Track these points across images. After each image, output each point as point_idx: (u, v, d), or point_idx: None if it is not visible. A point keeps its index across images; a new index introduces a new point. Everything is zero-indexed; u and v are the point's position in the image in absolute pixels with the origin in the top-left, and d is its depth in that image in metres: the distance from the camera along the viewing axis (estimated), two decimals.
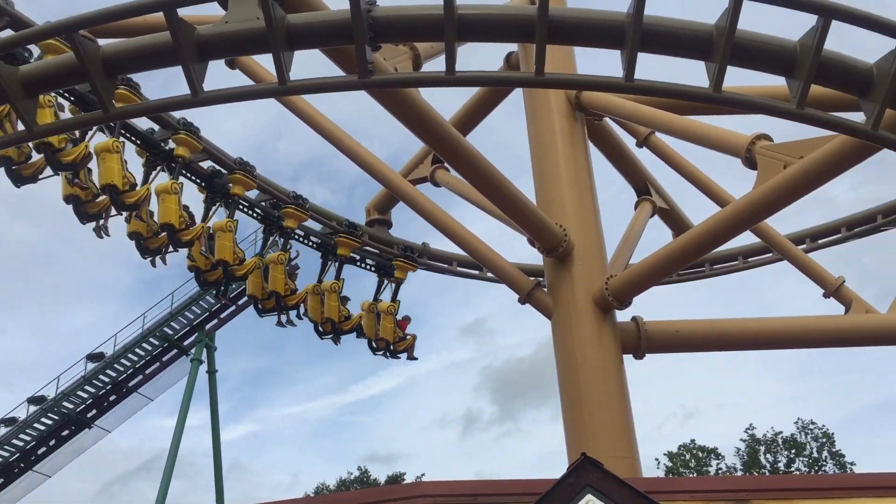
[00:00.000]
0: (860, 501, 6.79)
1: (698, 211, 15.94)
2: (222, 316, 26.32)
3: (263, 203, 16.09)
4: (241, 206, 15.50)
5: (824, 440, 51.50)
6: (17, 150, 12.34)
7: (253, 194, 15.73)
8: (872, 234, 18.98)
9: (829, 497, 6.83)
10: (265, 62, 14.32)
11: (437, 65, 13.54)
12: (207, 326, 26.28)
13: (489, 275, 18.49)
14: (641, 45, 7.36)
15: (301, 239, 17.06)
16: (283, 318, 16.60)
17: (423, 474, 47.46)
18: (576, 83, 7.99)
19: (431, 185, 17.03)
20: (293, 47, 7.10)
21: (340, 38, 7.18)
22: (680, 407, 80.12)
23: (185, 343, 26.41)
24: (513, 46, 15.60)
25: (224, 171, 14.96)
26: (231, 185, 14.90)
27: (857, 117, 8.02)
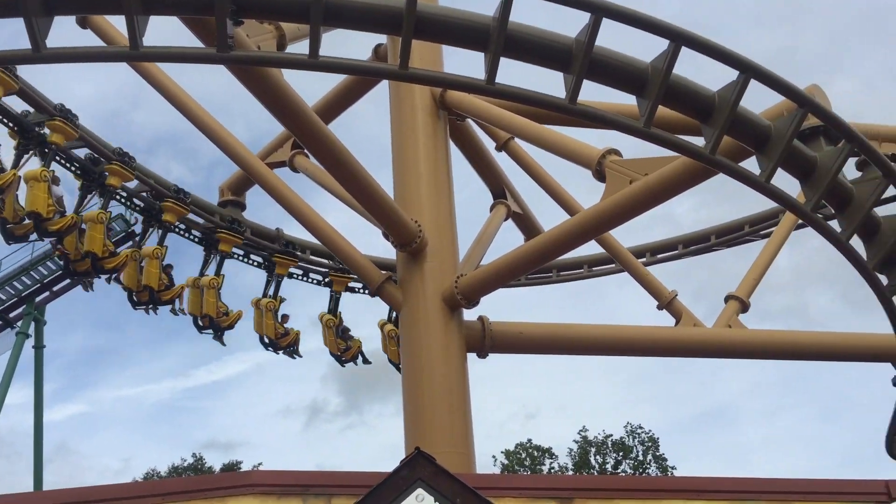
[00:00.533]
0: (673, 503, 7.18)
1: (550, 218, 16.47)
2: (55, 289, 24.78)
3: (143, 194, 15.67)
4: (118, 198, 15.02)
5: (650, 444, 54.38)
6: None
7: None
8: (706, 252, 20.26)
9: (646, 498, 7.19)
10: (120, 25, 13.64)
11: (302, 48, 13.28)
12: (38, 298, 24.65)
13: (342, 266, 18.39)
14: (504, 50, 7.50)
15: (182, 233, 16.87)
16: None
17: (260, 463, 46.55)
18: (439, 81, 8.06)
19: (290, 170, 16.71)
20: (148, 11, 6.78)
21: (200, 8, 6.92)
22: (522, 407, 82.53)
23: (12, 315, 24.70)
24: (382, 38, 15.54)
25: (102, 159, 14.39)
26: (108, 175, 14.35)
27: (700, 141, 8.52)
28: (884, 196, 10.01)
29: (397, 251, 13.39)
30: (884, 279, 10.15)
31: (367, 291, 17.34)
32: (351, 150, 11.43)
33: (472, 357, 13.12)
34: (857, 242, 9.79)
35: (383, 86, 15.87)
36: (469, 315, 13.39)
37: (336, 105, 16.44)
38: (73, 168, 14.66)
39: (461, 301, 12.79)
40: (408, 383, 12.56)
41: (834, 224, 9.61)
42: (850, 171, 10.54)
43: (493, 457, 53.91)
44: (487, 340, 13.07)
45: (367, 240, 16.51)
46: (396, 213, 12.71)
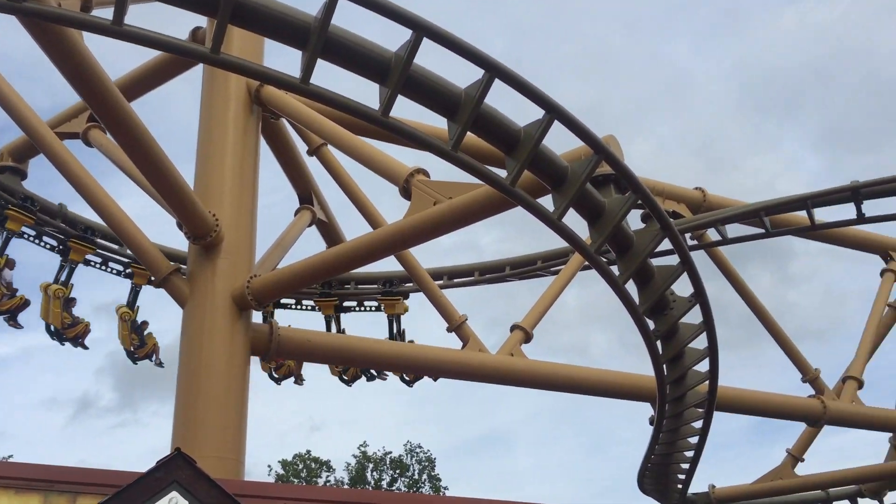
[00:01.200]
0: None
1: (356, 230, 16.34)
2: None
3: None
4: None
5: (426, 464, 55.37)
6: None
7: None
8: (500, 282, 20.95)
9: None
10: None
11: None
12: None
13: (128, 252, 17.36)
14: (323, 52, 7.40)
15: (32, 239, 16.79)
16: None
17: (10, 455, 42.72)
18: (250, 71, 7.80)
19: (83, 143, 15.56)
20: None
21: None
22: (308, 419, 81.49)
23: None
24: (202, 21, 14.87)
25: None
26: None
27: (504, 173, 8.80)
28: (659, 248, 10.80)
29: (190, 243, 12.80)
30: (651, 324, 10.95)
31: None
32: (158, 134, 10.85)
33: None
34: (633, 287, 10.51)
35: (198, 72, 15.20)
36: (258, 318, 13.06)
37: (142, 83, 15.49)
38: None
39: (251, 302, 12.40)
40: (183, 381, 11.99)
41: (615, 269, 10.25)
42: (637, 222, 11.28)
43: (269, 466, 52.76)
44: (274, 345, 12.75)
45: (162, 228, 15.69)
46: (193, 203, 12.15)
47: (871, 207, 14.78)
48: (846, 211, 14.97)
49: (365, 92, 8.21)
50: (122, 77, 15.10)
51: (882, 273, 20.01)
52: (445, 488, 53.03)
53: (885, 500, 22.28)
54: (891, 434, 20.96)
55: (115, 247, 18.49)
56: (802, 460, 18.57)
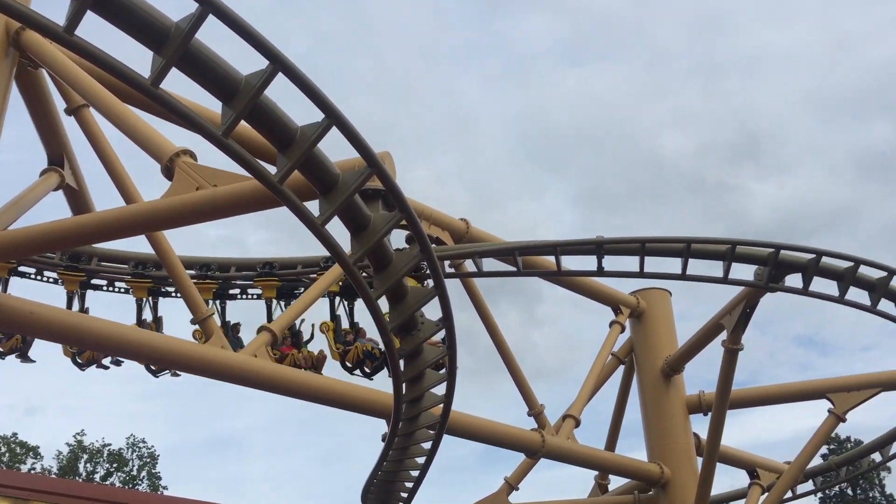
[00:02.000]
0: None
1: (108, 204, 15.21)
2: None
3: None
4: None
5: (148, 460, 52.62)
6: None
7: None
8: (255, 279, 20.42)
9: None
10: None
11: None
12: None
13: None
14: (94, 5, 6.82)
15: None
16: None
17: None
18: (8, 7, 7.01)
19: None
20: None
21: None
22: (25, 399, 74.56)
23: None
24: None
25: None
26: None
27: (274, 170, 8.56)
28: (416, 271, 11.03)
29: None
30: (398, 342, 11.14)
31: None
32: None
33: None
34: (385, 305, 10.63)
35: None
36: None
37: None
38: None
39: None
40: None
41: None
42: (402, 242, 11.44)
43: None
44: None
45: None
46: None
47: (610, 263, 16.06)
48: (589, 263, 16.16)
49: (142, 62, 7.70)
50: None
51: (610, 324, 21.87)
52: (164, 487, 50.49)
53: None
54: (597, 472, 22.85)
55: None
56: (517, 489, 19.67)
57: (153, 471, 52.20)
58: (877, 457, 23.37)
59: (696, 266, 16.39)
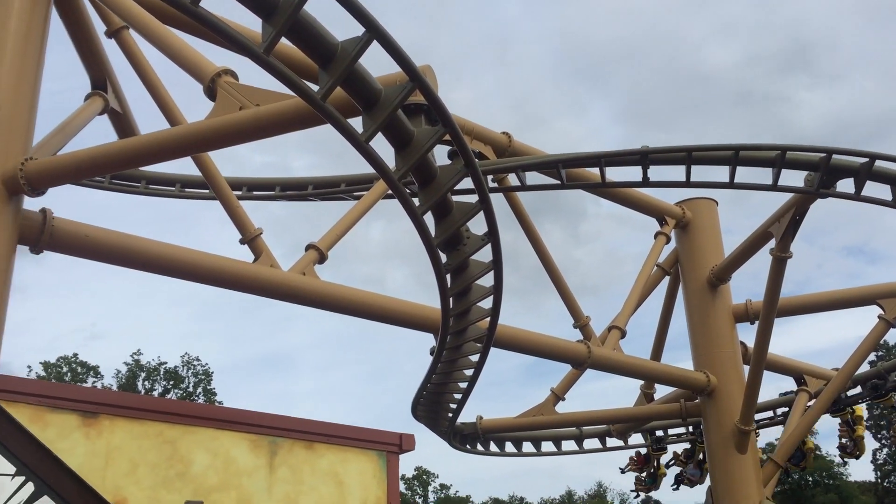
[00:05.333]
0: (202, 430, 7.11)
1: (152, 126, 15.34)
2: None
3: None
4: None
5: (203, 377, 54.42)
6: None
7: None
8: (302, 200, 20.59)
9: (174, 423, 7.02)
10: None
11: None
12: None
13: None
14: None
15: None
16: None
17: None
18: None
19: None
20: None
21: None
22: (91, 324, 77.14)
23: None
24: None
25: None
26: None
27: (316, 88, 8.52)
28: (462, 186, 11.00)
29: None
30: (444, 257, 11.21)
31: None
32: None
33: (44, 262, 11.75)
34: (431, 220, 10.67)
35: None
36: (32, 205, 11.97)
37: None
38: None
39: (24, 186, 11.34)
40: None
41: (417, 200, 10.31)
42: (444, 158, 11.40)
43: (29, 367, 49.80)
44: (46, 236, 11.78)
45: None
46: None
47: (656, 174, 15.84)
48: (634, 174, 15.95)
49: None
50: None
51: (655, 235, 21.70)
52: (220, 402, 52.35)
53: (629, 440, 24.63)
54: (642, 382, 23.08)
55: None
56: (564, 399, 20.00)
57: (208, 387, 54.07)
58: None
59: (744, 174, 16.07)
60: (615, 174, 16.60)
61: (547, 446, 24.30)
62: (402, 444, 20.46)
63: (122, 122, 16.34)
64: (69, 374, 51.65)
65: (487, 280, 12.10)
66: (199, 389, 53.36)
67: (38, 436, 6.51)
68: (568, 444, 24.36)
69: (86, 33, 15.35)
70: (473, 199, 10.65)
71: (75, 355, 52.51)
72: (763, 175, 16.23)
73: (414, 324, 15.10)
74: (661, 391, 23.07)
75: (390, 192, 12.17)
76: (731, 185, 15.94)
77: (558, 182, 16.19)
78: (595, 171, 16.48)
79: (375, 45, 8.15)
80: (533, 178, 17.09)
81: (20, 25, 12.06)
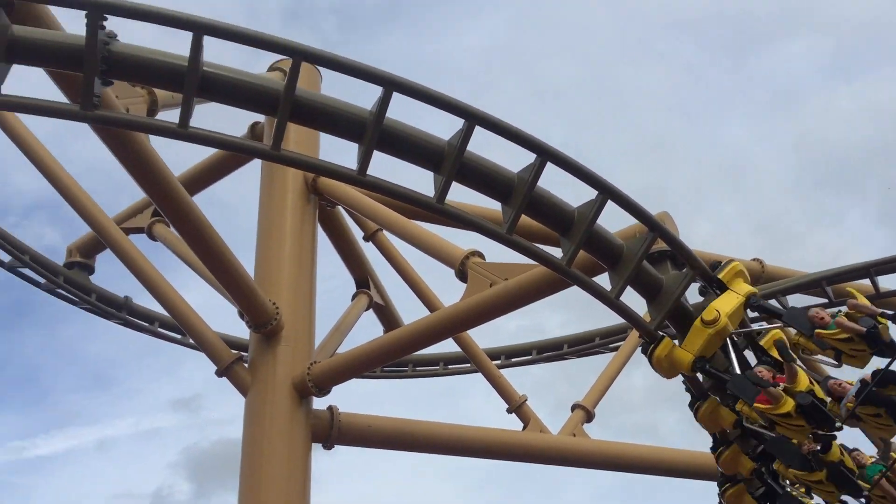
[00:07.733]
0: None
1: (412, 313, 16.44)
2: None
3: None
4: None
5: None
6: None
7: None
8: (558, 360, 20.73)
9: None
10: None
11: (173, 116, 13.03)
12: None
13: (191, 341, 17.66)
14: (379, 144, 7.62)
15: None
16: None
17: None
18: (310, 166, 8.06)
19: (148, 238, 16.08)
20: (12, 60, 6.49)
21: (69, 63, 6.70)
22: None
23: None
24: (260, 117, 15.45)
25: None
26: None
27: (559, 253, 8.83)
28: None
29: (251, 332, 13.02)
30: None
31: None
32: (217, 225, 11.18)
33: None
34: None
35: (257, 164, 15.72)
36: (318, 404, 13.07)
37: (204, 177, 16.07)
38: None
39: (312, 389, 12.48)
40: (245, 469, 12.05)
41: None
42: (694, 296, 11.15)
43: None
44: (335, 431, 12.76)
45: (224, 318, 15.90)
46: (254, 293, 12.41)
47: None
48: None
49: (415, 174, 8.41)
50: (184, 172, 15.68)
51: None
52: None
53: None
54: None
55: (165, 332, 18.68)
56: None
57: None
58: None
59: None
60: (890, 282, 15.26)
61: None
62: None
63: (387, 314, 17.64)
64: None
65: None
66: None
67: None
68: None
69: (346, 239, 17.06)
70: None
71: None
72: None
73: (698, 474, 14.28)
74: None
75: None
76: None
77: (825, 301, 15.12)
78: (865, 281, 15.26)
79: (609, 203, 8.36)
80: (795, 300, 16.08)
81: (293, 248, 13.70)
